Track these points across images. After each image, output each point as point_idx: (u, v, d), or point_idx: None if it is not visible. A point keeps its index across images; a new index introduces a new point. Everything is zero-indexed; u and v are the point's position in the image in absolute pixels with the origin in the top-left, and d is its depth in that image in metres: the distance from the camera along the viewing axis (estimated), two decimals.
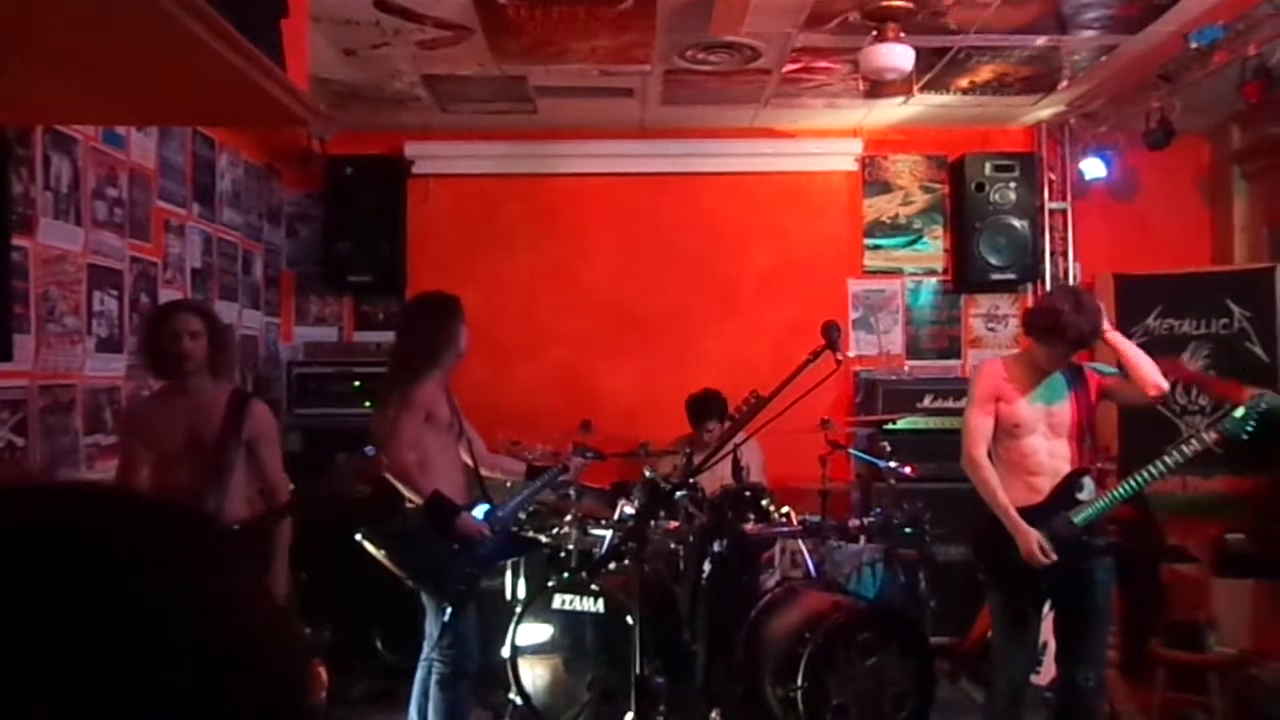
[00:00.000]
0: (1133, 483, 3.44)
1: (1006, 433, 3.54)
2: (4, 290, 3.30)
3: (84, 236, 3.93)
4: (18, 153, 3.49)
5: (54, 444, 3.70)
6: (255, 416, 3.39)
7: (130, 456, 3.36)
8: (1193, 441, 3.41)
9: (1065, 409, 3.53)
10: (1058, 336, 3.42)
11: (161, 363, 3.33)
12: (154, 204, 4.53)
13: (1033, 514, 3.44)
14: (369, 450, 3.42)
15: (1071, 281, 6.28)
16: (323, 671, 2.27)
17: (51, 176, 3.70)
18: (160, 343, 3.29)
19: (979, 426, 3.56)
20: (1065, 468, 3.52)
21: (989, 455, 3.57)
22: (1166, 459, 3.39)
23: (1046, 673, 4.13)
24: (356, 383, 5.53)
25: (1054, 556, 3.38)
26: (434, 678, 3.77)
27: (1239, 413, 3.41)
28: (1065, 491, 3.49)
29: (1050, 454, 3.52)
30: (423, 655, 3.86)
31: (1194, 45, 4.57)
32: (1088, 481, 3.51)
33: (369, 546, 3.68)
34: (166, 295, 4.61)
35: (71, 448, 3.82)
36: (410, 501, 3.68)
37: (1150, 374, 3.48)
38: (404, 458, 3.61)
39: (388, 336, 5.91)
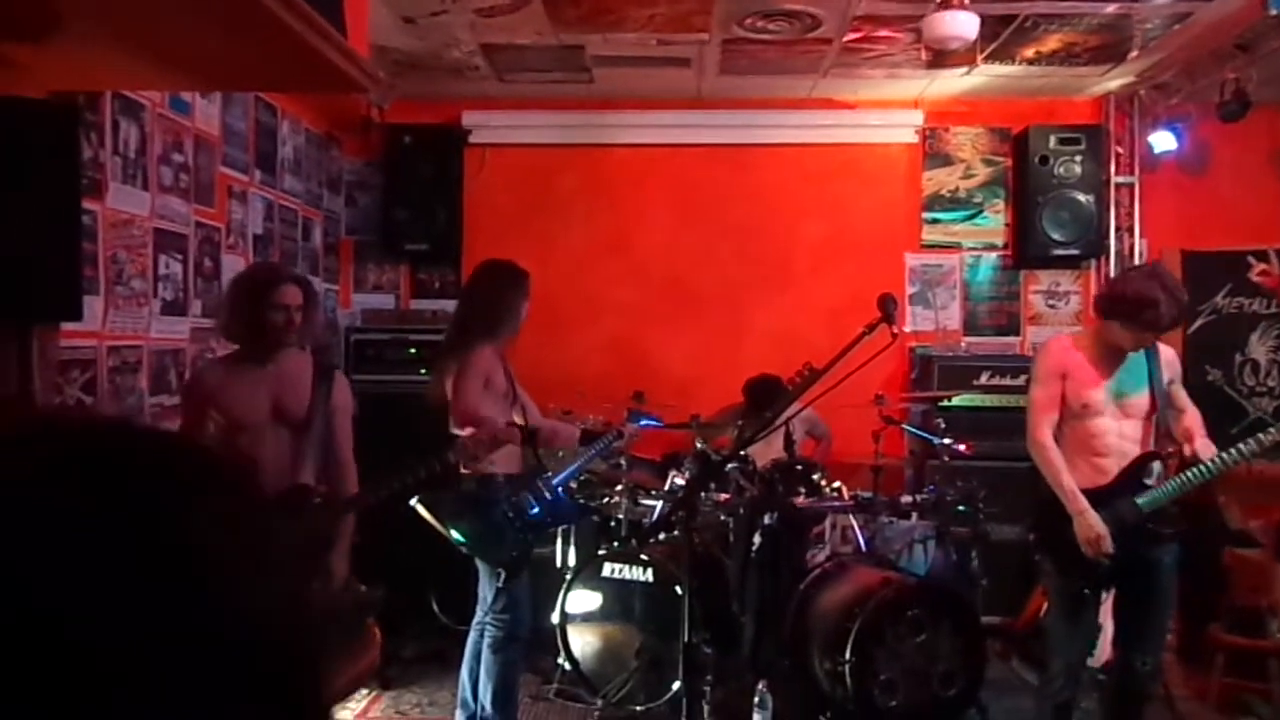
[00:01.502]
0: (1203, 469, 3.34)
1: (1074, 413, 3.44)
2: (75, 252, 3.38)
3: (150, 201, 4.01)
4: (88, 118, 3.57)
5: (121, 403, 3.81)
6: (339, 389, 3.38)
7: (198, 422, 3.26)
8: (1271, 431, 3.29)
9: (1139, 390, 3.44)
10: (1145, 323, 3.30)
11: (260, 334, 3.22)
12: (218, 170, 4.61)
13: (1097, 496, 3.36)
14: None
15: (1138, 259, 6.13)
16: (376, 630, 2.32)
17: (120, 142, 3.78)
18: (262, 315, 3.19)
19: (1045, 407, 3.46)
20: (1133, 450, 3.43)
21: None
22: (1242, 448, 3.28)
23: (1102, 654, 4.07)
24: (413, 349, 5.60)
25: (1111, 550, 3.30)
26: (486, 641, 3.82)
27: None
28: (1133, 475, 3.40)
29: (1120, 435, 3.43)
30: (475, 619, 3.92)
31: (1274, 12, 4.40)
32: (1156, 466, 3.42)
33: (424, 512, 3.73)
34: (230, 261, 4.70)
35: (137, 407, 3.92)
36: (466, 469, 3.70)
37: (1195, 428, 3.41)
38: (464, 437, 3.59)
39: (444, 304, 5.99)
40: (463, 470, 3.68)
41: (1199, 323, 5.59)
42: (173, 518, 0.51)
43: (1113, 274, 6.14)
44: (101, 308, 3.67)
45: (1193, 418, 3.50)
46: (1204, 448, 3.36)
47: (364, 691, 4.67)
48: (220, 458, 0.59)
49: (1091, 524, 3.31)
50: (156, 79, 3.21)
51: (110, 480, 0.51)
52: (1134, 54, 5.34)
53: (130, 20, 2.06)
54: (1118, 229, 6.16)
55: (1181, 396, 3.54)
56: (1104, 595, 3.58)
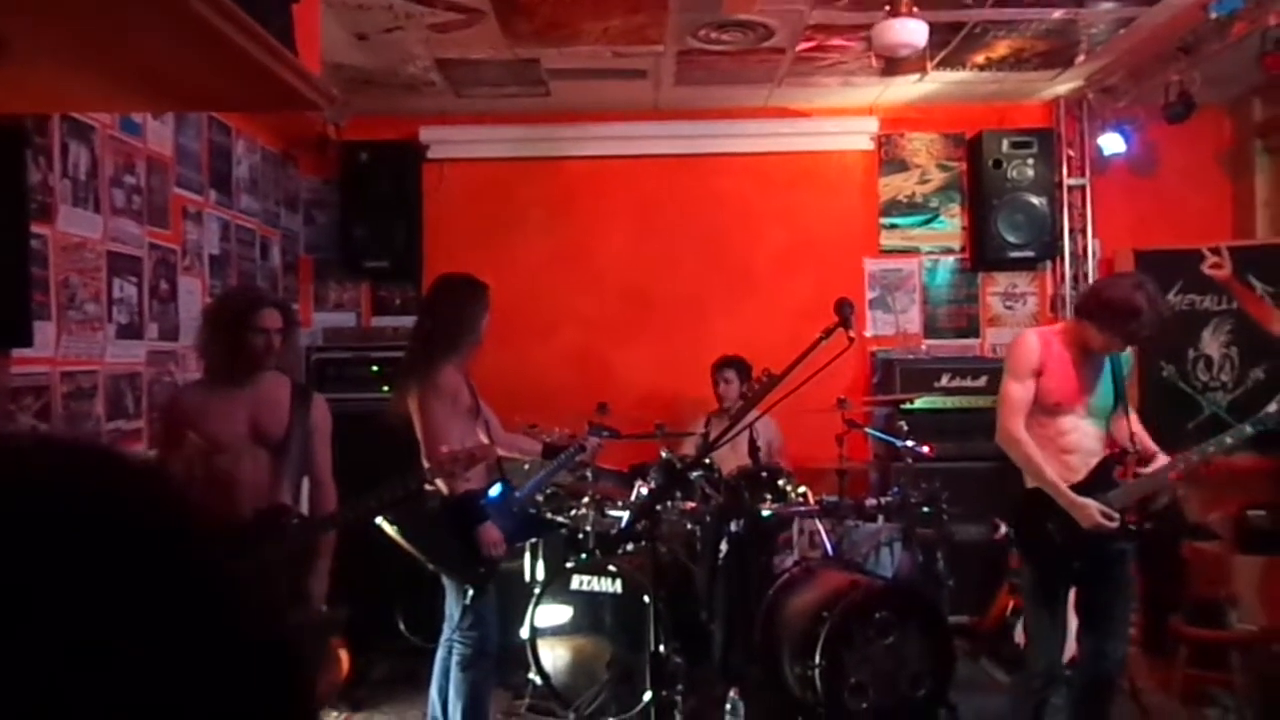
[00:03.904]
0: (1176, 466, 3.38)
1: (1045, 409, 3.44)
2: (24, 278, 3.33)
3: (103, 224, 3.96)
4: (36, 141, 3.52)
5: (76, 429, 3.75)
6: (317, 410, 3.38)
7: (174, 443, 3.25)
8: (1245, 429, 3.36)
9: (1104, 389, 3.48)
10: (1125, 332, 3.33)
11: (239, 358, 3.22)
12: (172, 191, 4.57)
13: (1074, 491, 3.38)
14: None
15: (1091, 259, 6.23)
16: (341, 650, 2.29)
17: (70, 164, 3.74)
18: (243, 338, 3.19)
19: (1019, 400, 3.44)
20: (1095, 446, 3.47)
21: None
22: (1209, 448, 3.35)
23: (1068, 650, 4.11)
24: (375, 367, 5.57)
25: (1117, 519, 3.31)
26: (454, 659, 3.79)
27: (1272, 407, 3.38)
28: (1104, 472, 3.45)
29: (1084, 433, 3.46)
30: (443, 637, 3.88)
31: (1213, 16, 4.51)
32: (1124, 463, 3.48)
33: (388, 529, 3.70)
34: (186, 283, 4.65)
35: (94, 433, 3.87)
36: (430, 484, 3.67)
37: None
38: (440, 454, 3.56)
39: (405, 321, 5.94)
40: (428, 487, 3.66)
41: None
42: (179, 534, 0.54)
43: (1068, 275, 6.25)
44: (54, 333, 3.62)
45: (1136, 420, 3.57)
46: (1161, 455, 3.45)
47: (333, 714, 4.62)
48: (192, 480, 0.61)
49: (1091, 511, 3.31)
50: (105, 100, 3.17)
51: (114, 495, 0.53)
52: (1081, 58, 5.45)
53: (77, 41, 2.03)
54: (1071, 230, 6.26)
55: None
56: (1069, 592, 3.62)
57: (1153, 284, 3.38)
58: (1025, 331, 3.66)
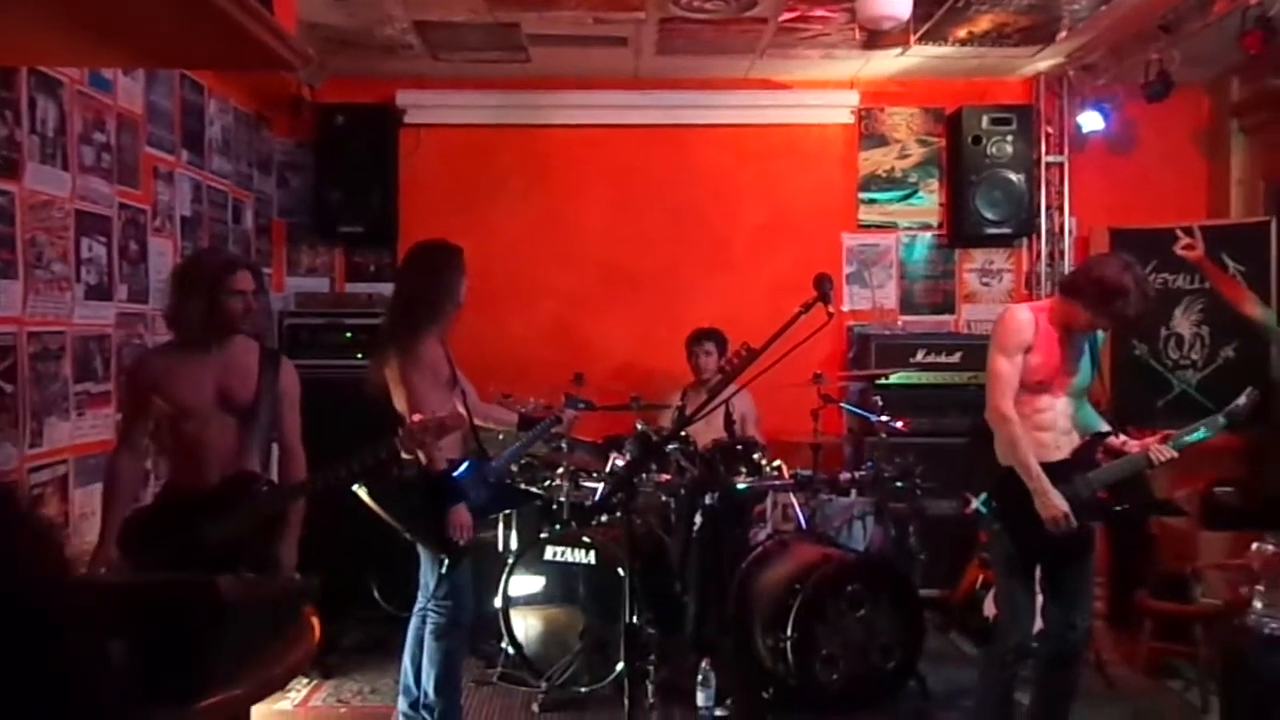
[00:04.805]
0: (1151, 455, 3.42)
1: (1027, 386, 3.43)
2: None
3: (71, 182, 3.88)
4: (2, 95, 3.43)
5: (44, 391, 3.69)
6: (286, 375, 3.33)
7: (140, 408, 3.21)
8: (1219, 420, 3.42)
9: (1082, 368, 3.49)
10: (1111, 311, 3.34)
11: (215, 322, 3.15)
12: (142, 150, 4.48)
13: (1053, 470, 3.40)
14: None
15: (1068, 237, 6.26)
16: (313, 618, 2.28)
17: (37, 120, 3.65)
18: (219, 302, 3.13)
19: (1008, 377, 3.42)
20: (1068, 425, 3.49)
21: None
22: (1185, 438, 3.38)
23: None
24: (348, 334, 5.52)
25: (1075, 524, 3.34)
26: (429, 628, 3.79)
27: (1241, 401, 3.42)
28: (1087, 452, 3.47)
29: (1060, 411, 3.47)
30: (417, 606, 3.88)
31: None
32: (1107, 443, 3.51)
33: (365, 497, 3.68)
34: (156, 244, 4.57)
35: (61, 394, 3.81)
36: (405, 453, 3.63)
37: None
38: (411, 423, 3.52)
39: (379, 287, 5.91)
40: (405, 456, 3.63)
41: None
42: None
43: (1044, 252, 6.27)
44: (21, 292, 3.55)
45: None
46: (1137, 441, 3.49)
47: (304, 680, 4.61)
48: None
49: (1056, 503, 3.33)
50: (74, 55, 3.09)
51: None
52: (1062, 35, 5.44)
53: None
54: (1048, 208, 6.28)
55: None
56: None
57: (1140, 266, 3.39)
58: (1013, 307, 3.63)
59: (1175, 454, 3.39)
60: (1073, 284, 3.49)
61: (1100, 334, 3.59)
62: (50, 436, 3.73)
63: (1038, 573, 3.62)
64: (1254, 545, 3.78)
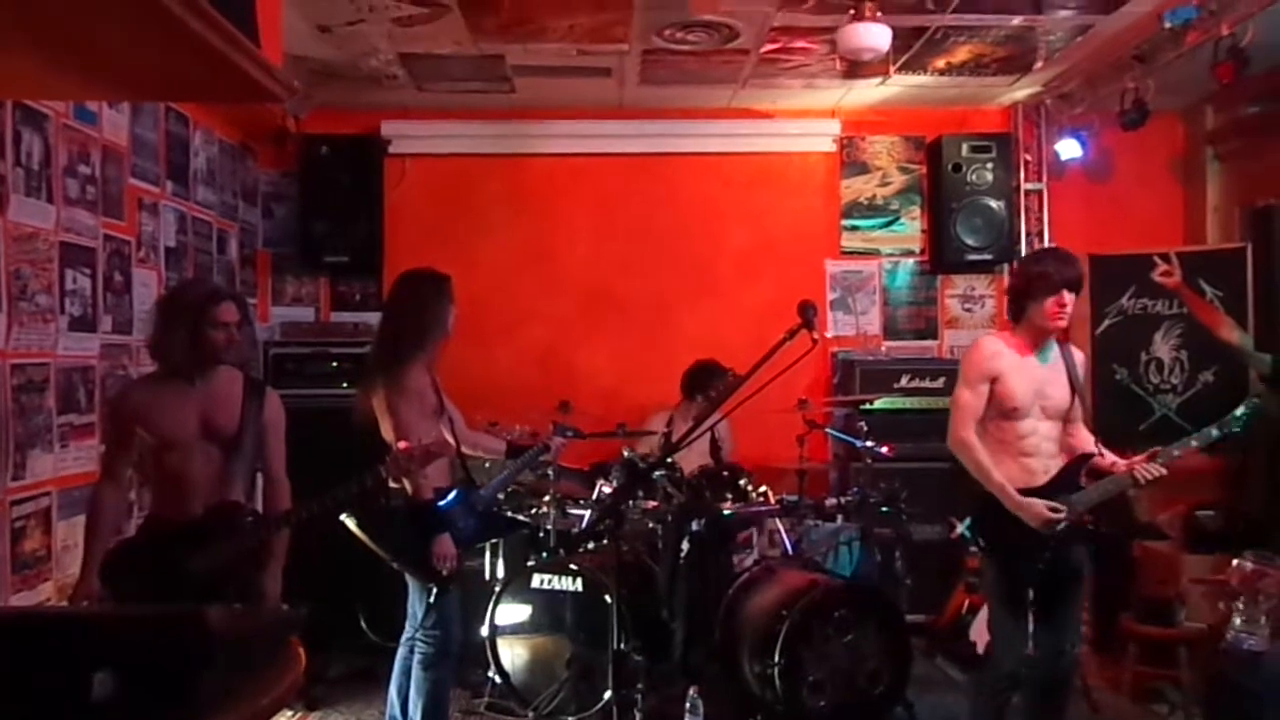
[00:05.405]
0: (1140, 475, 3.43)
1: (1003, 413, 3.46)
2: None
3: (56, 214, 3.88)
4: None
5: (27, 423, 3.67)
6: (270, 405, 3.33)
7: (124, 439, 3.22)
8: (1212, 432, 3.43)
9: (1060, 392, 3.51)
10: (1047, 283, 3.37)
11: (198, 353, 3.16)
12: (127, 182, 4.49)
13: (1038, 494, 3.40)
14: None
15: None
16: (300, 649, 2.26)
17: (22, 153, 3.65)
18: (202, 333, 3.14)
19: (970, 407, 3.47)
20: (1052, 449, 3.50)
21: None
22: (1174, 450, 3.40)
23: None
24: (334, 363, 5.52)
25: (1064, 512, 3.34)
26: (416, 658, 3.76)
27: (1239, 412, 3.45)
28: (1070, 474, 3.48)
29: (1042, 435, 3.49)
30: (405, 635, 3.85)
31: (1168, 25, 4.60)
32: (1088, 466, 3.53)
33: (352, 526, 3.66)
34: (141, 275, 4.57)
35: (45, 426, 3.79)
36: (395, 483, 3.63)
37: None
38: (396, 450, 3.52)
39: (365, 317, 5.91)
40: (392, 485, 3.62)
41: (1106, 324, 5.78)
42: None
43: None
44: (5, 324, 3.54)
45: (1083, 425, 3.64)
46: (1119, 460, 3.50)
47: (289, 712, 4.57)
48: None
49: (1038, 510, 3.33)
50: (59, 88, 3.10)
51: None
52: (1039, 65, 5.53)
53: (29, 26, 1.99)
54: (1028, 234, 6.35)
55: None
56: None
57: (1051, 248, 3.44)
58: (981, 338, 3.68)
59: (1164, 470, 3.39)
60: (1011, 292, 3.61)
61: (1078, 356, 3.61)
62: (33, 469, 3.71)
63: (1029, 598, 3.62)
64: (1234, 562, 3.81)
